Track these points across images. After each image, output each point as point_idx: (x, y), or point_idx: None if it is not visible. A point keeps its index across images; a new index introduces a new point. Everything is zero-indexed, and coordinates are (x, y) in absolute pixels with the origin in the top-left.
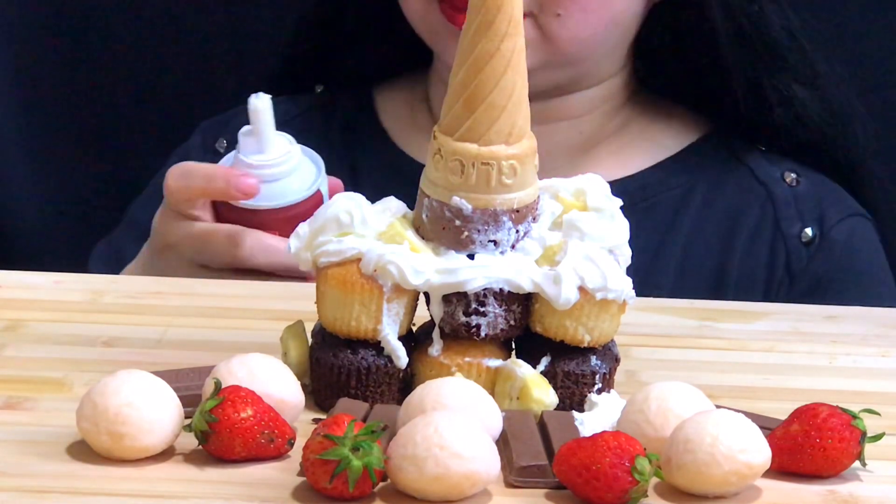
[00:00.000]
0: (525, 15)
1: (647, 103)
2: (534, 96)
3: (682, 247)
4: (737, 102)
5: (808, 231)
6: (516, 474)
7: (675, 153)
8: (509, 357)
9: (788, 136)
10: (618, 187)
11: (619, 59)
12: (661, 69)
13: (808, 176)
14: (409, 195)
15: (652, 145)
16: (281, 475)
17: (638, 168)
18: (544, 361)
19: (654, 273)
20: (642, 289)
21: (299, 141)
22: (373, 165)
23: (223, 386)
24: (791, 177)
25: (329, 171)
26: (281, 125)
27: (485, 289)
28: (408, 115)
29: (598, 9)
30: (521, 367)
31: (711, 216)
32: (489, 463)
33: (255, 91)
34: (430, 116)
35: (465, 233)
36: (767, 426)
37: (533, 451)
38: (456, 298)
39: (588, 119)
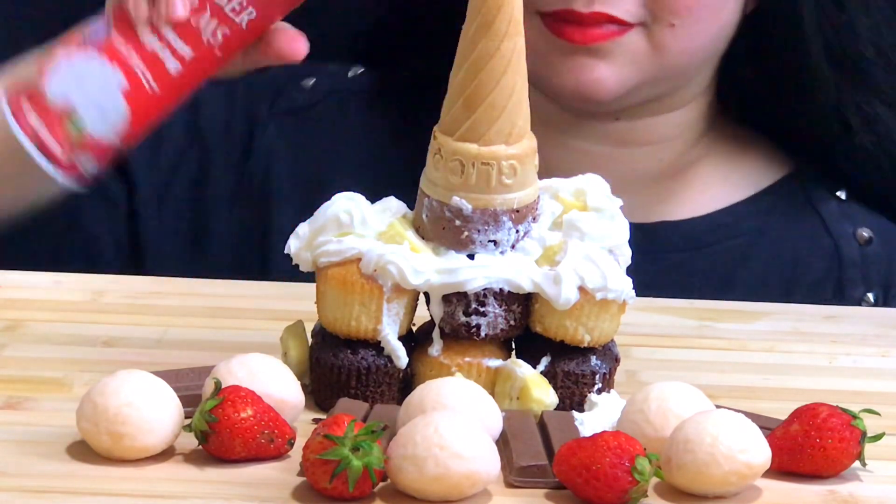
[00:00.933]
0: (632, 25)
1: (725, 135)
2: (624, 115)
3: (743, 293)
4: (820, 129)
5: (870, 296)
6: (516, 474)
7: (750, 196)
8: (509, 357)
9: (869, 166)
10: (686, 227)
11: (707, 77)
12: (744, 88)
13: (883, 234)
14: None
15: (727, 184)
16: (281, 475)
17: (709, 208)
18: (544, 361)
19: None
20: None
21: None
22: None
23: (223, 386)
24: (864, 235)
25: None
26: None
27: (485, 289)
28: None
29: (709, 18)
30: (521, 367)
31: (775, 265)
32: (489, 463)
33: None
34: None
35: (465, 233)
36: (767, 426)
37: (533, 451)
38: (456, 298)
39: (670, 146)
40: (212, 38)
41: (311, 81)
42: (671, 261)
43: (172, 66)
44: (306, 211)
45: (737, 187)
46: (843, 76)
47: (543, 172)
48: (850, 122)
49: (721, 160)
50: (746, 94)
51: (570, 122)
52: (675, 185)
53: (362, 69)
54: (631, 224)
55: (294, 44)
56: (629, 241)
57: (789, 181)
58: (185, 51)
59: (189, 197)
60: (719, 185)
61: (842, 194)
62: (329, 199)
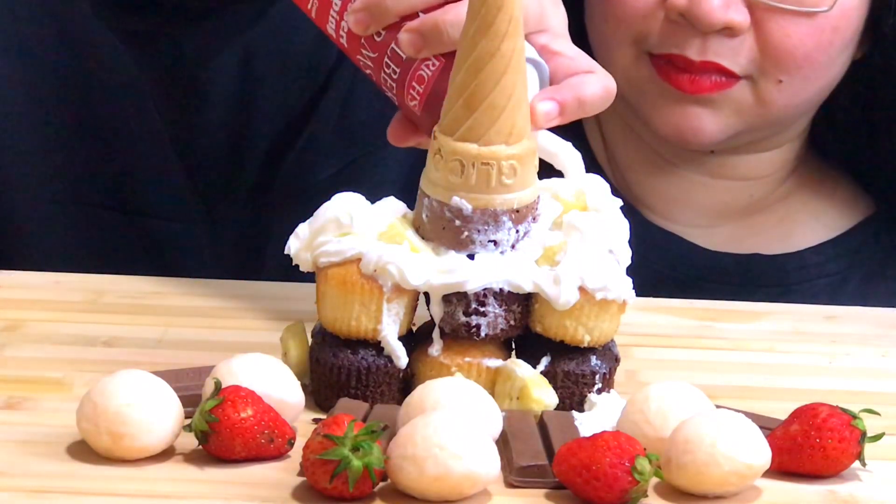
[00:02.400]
0: (741, 77)
1: (813, 173)
2: (718, 150)
3: None
4: None
5: None
6: (516, 474)
7: (837, 235)
8: (509, 357)
9: None
10: (776, 263)
11: (806, 120)
12: (840, 133)
13: None
14: None
15: (815, 222)
16: (281, 475)
17: (798, 246)
18: (544, 361)
19: None
20: None
21: None
22: None
23: (223, 386)
24: None
25: None
26: None
27: (485, 289)
28: None
29: (818, 76)
30: (521, 367)
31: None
32: (489, 463)
33: None
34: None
35: (465, 233)
36: (767, 426)
37: (533, 451)
38: (456, 298)
39: (761, 183)
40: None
41: None
42: (760, 295)
43: None
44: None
45: (824, 226)
46: None
47: (639, 190)
48: None
49: (809, 197)
50: (840, 137)
51: (669, 149)
52: (767, 219)
53: None
54: (725, 254)
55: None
56: (719, 270)
57: (873, 222)
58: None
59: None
60: (808, 222)
61: None
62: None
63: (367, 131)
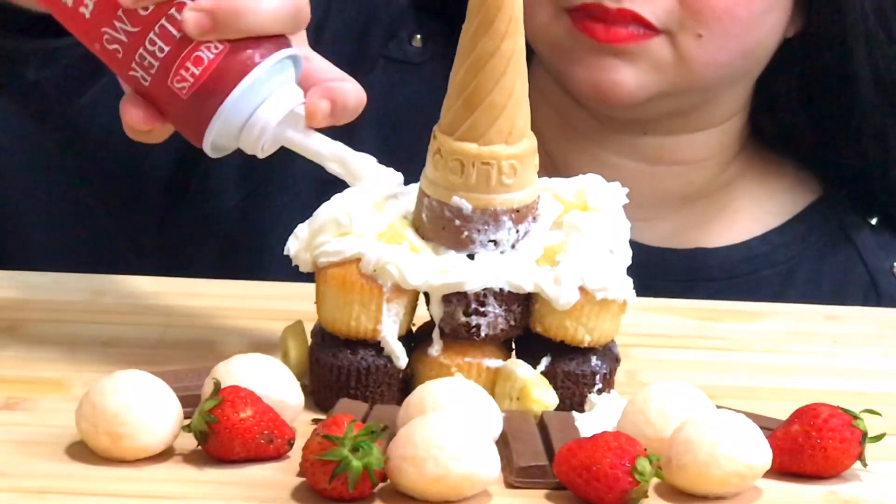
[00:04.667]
0: (659, 32)
1: (756, 157)
2: (651, 130)
3: None
4: (858, 156)
5: None
6: (516, 475)
7: (783, 223)
8: (509, 357)
9: None
10: (723, 255)
11: (741, 98)
12: (781, 114)
13: None
14: None
15: (760, 210)
16: (280, 476)
17: (744, 235)
18: (544, 361)
19: None
20: None
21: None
22: None
23: (222, 386)
24: None
25: None
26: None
27: (485, 289)
28: None
29: (741, 34)
30: (521, 368)
31: (812, 299)
32: (489, 463)
33: None
34: None
35: (465, 233)
36: (768, 427)
37: (533, 451)
38: (456, 298)
39: (700, 167)
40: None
41: (418, 37)
42: (708, 290)
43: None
44: (384, 154)
45: (770, 213)
46: (888, 108)
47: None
48: (889, 154)
49: (752, 184)
50: (781, 119)
51: (600, 134)
52: (709, 209)
53: None
54: (667, 249)
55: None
56: (663, 267)
57: (820, 206)
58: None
59: None
60: (752, 210)
61: (873, 220)
62: (406, 158)
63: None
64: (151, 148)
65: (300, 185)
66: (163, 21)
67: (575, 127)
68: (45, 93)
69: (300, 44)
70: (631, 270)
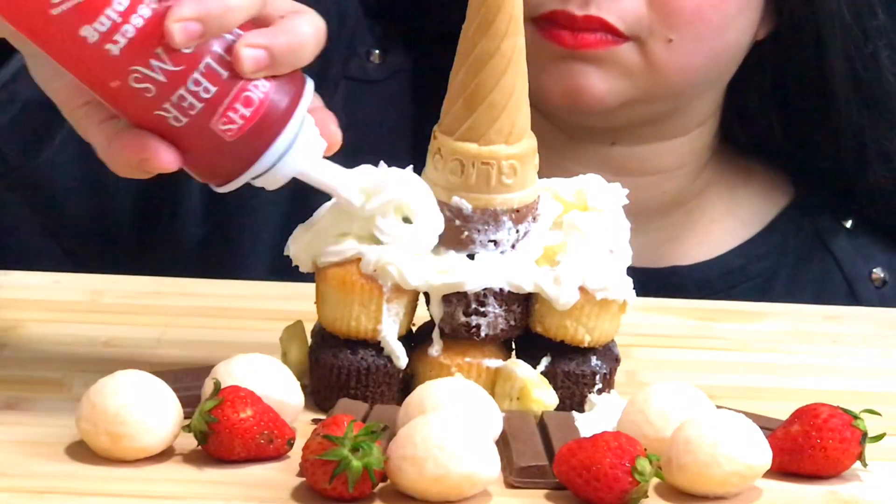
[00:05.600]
0: (628, 38)
1: (726, 164)
2: (620, 138)
3: None
4: (834, 157)
5: None
6: (516, 475)
7: (758, 232)
8: (509, 357)
9: (881, 200)
10: (699, 272)
11: (712, 103)
12: (753, 118)
13: None
14: None
15: (734, 219)
16: (280, 476)
17: (720, 249)
18: (544, 362)
19: None
20: None
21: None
22: None
23: (222, 386)
24: (879, 275)
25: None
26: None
27: (485, 289)
28: None
29: (711, 37)
30: (521, 368)
31: None
32: (489, 463)
33: None
34: None
35: (465, 233)
36: (768, 426)
37: (533, 451)
38: (456, 298)
39: (673, 176)
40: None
41: (377, 53)
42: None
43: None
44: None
45: (743, 222)
46: (865, 108)
47: None
48: (866, 155)
49: (724, 191)
50: (754, 123)
51: (566, 146)
52: (682, 221)
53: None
54: (641, 269)
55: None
56: (638, 288)
57: (794, 210)
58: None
59: None
60: (726, 220)
61: (848, 223)
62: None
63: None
64: (115, 192)
65: (265, 215)
66: (209, 60)
67: (540, 139)
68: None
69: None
70: None
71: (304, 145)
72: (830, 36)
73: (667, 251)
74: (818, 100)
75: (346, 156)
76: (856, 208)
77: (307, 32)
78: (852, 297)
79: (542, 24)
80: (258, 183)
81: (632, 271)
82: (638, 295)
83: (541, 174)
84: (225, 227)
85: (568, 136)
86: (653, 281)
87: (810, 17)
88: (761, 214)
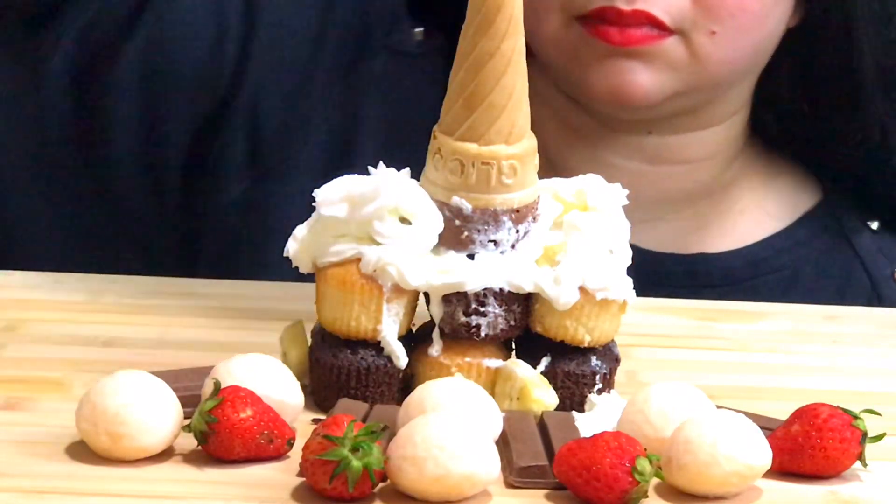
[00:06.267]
0: (672, 32)
1: (757, 157)
2: (656, 129)
3: None
4: (860, 149)
5: None
6: (516, 475)
7: (785, 227)
8: (509, 357)
9: None
10: (724, 260)
11: (745, 93)
12: (782, 107)
13: None
14: None
15: (761, 212)
16: (280, 476)
17: (746, 240)
18: (544, 361)
19: None
20: None
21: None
22: None
23: (222, 386)
24: None
25: None
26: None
27: (485, 289)
28: None
29: (753, 29)
30: (521, 368)
31: (815, 304)
32: (489, 463)
33: None
34: None
35: (465, 233)
36: (768, 426)
37: (533, 451)
38: (456, 298)
39: (704, 167)
40: None
41: (420, 30)
42: (708, 296)
43: None
44: (387, 156)
45: (770, 216)
46: (891, 97)
47: None
48: (890, 144)
49: (754, 184)
50: (782, 114)
51: (601, 135)
52: (711, 210)
53: None
54: (668, 255)
55: None
56: (664, 273)
57: (821, 209)
58: None
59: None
60: (754, 212)
61: (874, 224)
62: (409, 150)
63: (276, 142)
64: (169, 130)
65: (305, 174)
66: None
67: (575, 129)
68: (74, 59)
69: None
70: (632, 274)
71: None
72: (859, 24)
73: (695, 239)
74: (845, 89)
75: (384, 131)
76: (882, 210)
77: None
78: (875, 296)
79: (589, 22)
80: None
81: (658, 256)
82: (663, 281)
83: (575, 163)
84: (268, 182)
85: (604, 125)
86: (679, 266)
87: (839, 5)
88: (789, 210)
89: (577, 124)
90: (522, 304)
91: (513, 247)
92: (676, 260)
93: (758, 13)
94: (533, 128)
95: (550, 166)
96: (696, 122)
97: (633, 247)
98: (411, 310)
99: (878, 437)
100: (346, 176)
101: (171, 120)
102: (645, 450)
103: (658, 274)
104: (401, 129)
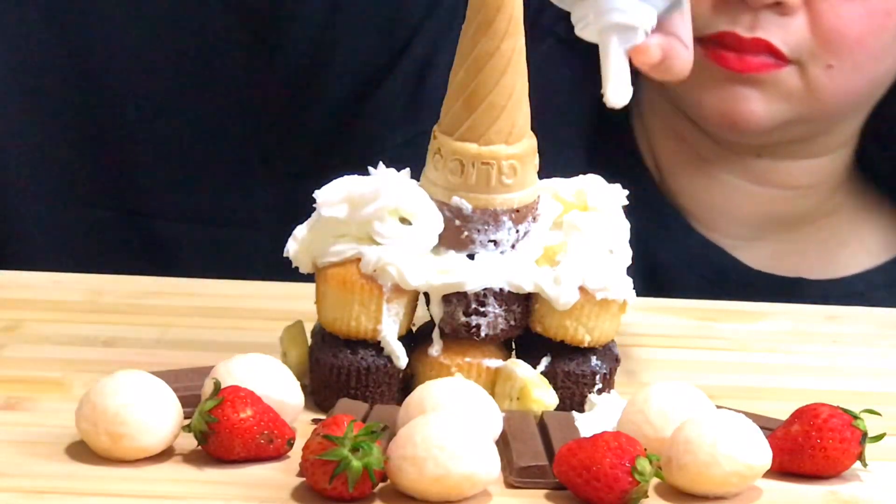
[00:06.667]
0: (790, 62)
1: (859, 190)
2: (766, 152)
3: None
4: None
5: None
6: (516, 475)
7: (882, 263)
8: (509, 357)
9: None
10: (821, 289)
11: (855, 126)
12: (890, 143)
13: None
14: None
15: (859, 245)
16: (280, 476)
17: (844, 271)
18: (544, 361)
19: None
20: None
21: None
22: None
23: (222, 386)
24: None
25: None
26: None
27: (485, 289)
28: None
29: (870, 64)
30: (521, 368)
31: None
32: (489, 463)
33: None
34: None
35: (465, 233)
36: (768, 426)
37: (533, 451)
38: (456, 298)
39: (808, 193)
40: None
41: None
42: None
43: None
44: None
45: (869, 251)
46: None
47: (682, 197)
48: None
49: (854, 217)
50: (890, 150)
51: (713, 151)
52: (811, 237)
53: None
54: (767, 274)
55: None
56: (763, 290)
57: None
58: None
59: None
60: (853, 245)
61: None
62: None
63: (438, 101)
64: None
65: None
66: None
67: (689, 143)
68: None
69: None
70: (730, 287)
71: (623, 11)
72: None
73: (793, 262)
74: None
75: (535, 115)
76: None
77: None
78: None
79: (708, 45)
80: (567, 5)
81: (760, 275)
82: (759, 298)
83: (686, 174)
84: (425, 138)
85: (715, 143)
86: (776, 287)
87: None
88: (888, 247)
89: (690, 139)
90: (522, 304)
91: (513, 247)
92: (774, 280)
93: (876, 50)
94: (646, 135)
95: (658, 172)
96: (805, 151)
97: (735, 262)
98: (411, 310)
99: (878, 437)
100: (345, 176)
101: (343, 59)
102: (645, 450)
103: (757, 291)
104: (548, 115)
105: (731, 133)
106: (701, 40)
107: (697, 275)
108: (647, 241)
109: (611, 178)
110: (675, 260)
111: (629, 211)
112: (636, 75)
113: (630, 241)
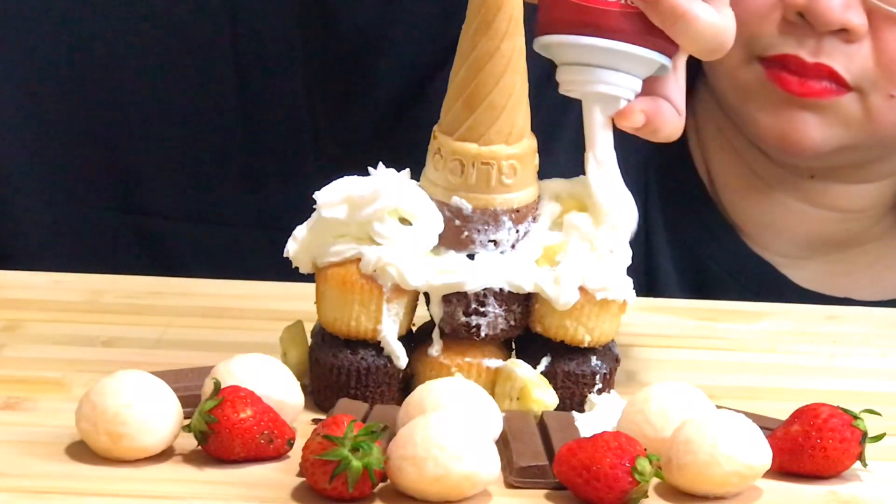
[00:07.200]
0: (851, 89)
1: None
2: (819, 174)
3: None
4: None
5: None
6: (516, 475)
7: None
8: (509, 357)
9: None
10: (865, 311)
11: None
12: None
13: None
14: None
15: None
16: (280, 476)
17: (890, 294)
18: (544, 362)
19: None
20: None
21: None
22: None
23: (222, 386)
24: None
25: None
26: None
27: (485, 289)
28: None
29: None
30: (521, 368)
31: None
32: (489, 463)
33: None
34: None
35: (465, 233)
36: (768, 426)
37: (533, 451)
38: (456, 298)
39: (858, 217)
40: None
41: None
42: None
43: None
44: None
45: None
46: None
47: (734, 214)
48: None
49: None
50: None
51: (767, 167)
52: (856, 259)
53: None
54: (815, 293)
55: None
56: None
57: None
58: None
59: None
60: None
61: None
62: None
63: None
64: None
65: None
66: None
67: (743, 159)
68: None
69: (681, 61)
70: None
71: (606, 81)
72: None
73: (840, 283)
74: None
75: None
76: None
77: (701, 18)
78: None
79: (770, 65)
80: (559, 75)
81: (809, 293)
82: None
83: (739, 191)
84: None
85: (770, 160)
86: (823, 306)
87: None
88: None
89: (745, 155)
90: (522, 304)
91: (513, 247)
92: (821, 299)
93: None
94: (701, 147)
95: (711, 185)
96: (857, 176)
97: (783, 278)
98: (411, 310)
99: (878, 437)
100: (345, 177)
101: (405, 38)
102: (645, 450)
103: None
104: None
105: (786, 155)
106: (763, 60)
107: (746, 289)
108: (697, 251)
109: (664, 188)
110: (725, 273)
111: (681, 220)
112: (692, 84)
113: (681, 251)
